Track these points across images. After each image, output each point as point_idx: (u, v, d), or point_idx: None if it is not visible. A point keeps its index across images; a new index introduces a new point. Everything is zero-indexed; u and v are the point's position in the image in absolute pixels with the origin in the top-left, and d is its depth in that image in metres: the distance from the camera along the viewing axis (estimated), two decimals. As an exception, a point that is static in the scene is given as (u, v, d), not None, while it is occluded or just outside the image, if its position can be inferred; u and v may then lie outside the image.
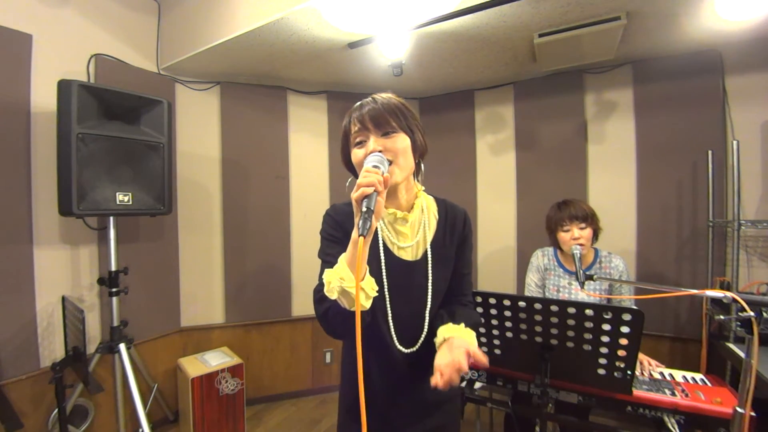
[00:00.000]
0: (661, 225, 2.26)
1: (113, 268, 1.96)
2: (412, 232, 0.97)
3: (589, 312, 1.14)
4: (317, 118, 2.85)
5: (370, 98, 0.93)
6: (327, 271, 0.81)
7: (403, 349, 0.95)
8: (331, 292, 0.78)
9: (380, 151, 0.85)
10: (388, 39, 1.99)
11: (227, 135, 2.62)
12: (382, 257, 0.94)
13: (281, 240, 2.75)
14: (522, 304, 1.23)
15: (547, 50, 2.04)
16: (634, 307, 1.11)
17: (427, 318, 0.97)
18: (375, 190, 0.73)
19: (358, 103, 0.93)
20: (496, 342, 1.37)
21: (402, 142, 0.89)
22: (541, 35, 1.93)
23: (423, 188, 1.03)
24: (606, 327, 1.15)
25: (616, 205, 2.35)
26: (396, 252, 0.96)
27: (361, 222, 0.70)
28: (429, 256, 0.97)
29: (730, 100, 2.11)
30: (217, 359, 2.34)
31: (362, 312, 0.79)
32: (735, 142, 1.91)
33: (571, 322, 1.18)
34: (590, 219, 1.71)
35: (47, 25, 1.88)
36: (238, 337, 2.65)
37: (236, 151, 2.64)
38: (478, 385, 1.66)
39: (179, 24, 2.28)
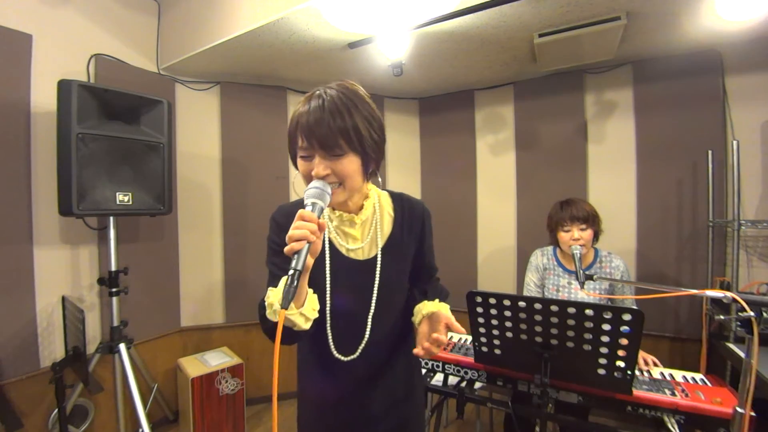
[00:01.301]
0: (661, 225, 2.26)
1: (113, 268, 1.96)
2: (362, 233, 0.94)
3: (589, 312, 1.14)
4: (317, 118, 2.85)
5: (320, 105, 0.79)
6: (270, 291, 0.79)
7: (341, 357, 0.92)
8: (273, 316, 0.76)
9: (324, 177, 0.79)
10: (388, 39, 1.99)
11: (227, 135, 2.62)
12: (327, 261, 0.91)
13: (281, 240, 2.75)
14: (522, 304, 1.23)
15: (547, 50, 2.04)
16: (634, 307, 1.11)
17: (369, 324, 0.93)
18: (307, 242, 0.68)
19: (306, 103, 0.81)
20: (496, 342, 1.37)
21: (350, 164, 0.81)
22: (541, 35, 1.93)
23: (375, 185, 0.98)
24: (606, 327, 1.15)
25: (616, 205, 2.35)
26: (345, 253, 0.93)
27: (284, 290, 0.64)
28: (379, 255, 0.93)
29: (730, 100, 2.11)
30: (217, 359, 2.34)
31: (303, 330, 0.80)
32: (735, 142, 1.91)
33: (571, 322, 1.18)
34: (591, 220, 1.71)
35: (47, 25, 1.88)
36: (238, 337, 2.65)
37: (236, 151, 2.64)
38: (478, 385, 1.66)
39: (179, 24, 2.28)
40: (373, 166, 0.89)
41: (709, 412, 1.21)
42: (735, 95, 2.10)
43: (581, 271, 1.38)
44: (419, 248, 1.01)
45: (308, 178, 0.82)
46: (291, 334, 0.79)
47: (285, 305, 0.64)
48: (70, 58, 1.98)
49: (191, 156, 2.53)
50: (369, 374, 0.97)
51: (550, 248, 1.90)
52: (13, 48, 1.78)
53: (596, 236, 1.76)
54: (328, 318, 0.92)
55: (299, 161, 0.84)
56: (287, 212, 0.92)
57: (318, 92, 0.82)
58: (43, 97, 1.84)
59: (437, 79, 2.71)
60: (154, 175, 1.94)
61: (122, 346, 1.90)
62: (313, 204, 0.73)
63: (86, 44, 2.04)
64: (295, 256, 0.67)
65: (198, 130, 2.56)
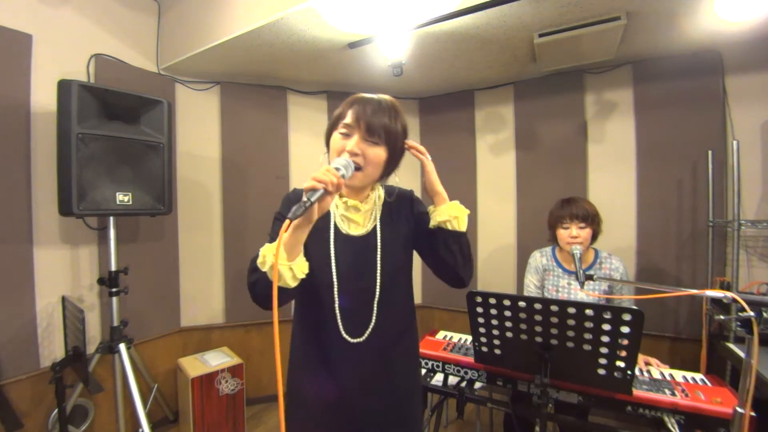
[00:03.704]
0: (661, 225, 2.26)
1: (113, 268, 1.95)
2: (365, 221, 1.02)
3: (589, 312, 1.14)
4: (317, 118, 2.85)
5: (376, 100, 0.94)
6: (265, 245, 0.86)
7: (350, 339, 0.96)
8: (263, 265, 0.83)
9: (356, 155, 0.90)
10: (388, 39, 1.99)
11: (227, 135, 2.62)
12: (332, 243, 0.97)
13: (281, 240, 2.75)
14: (522, 304, 1.23)
15: (547, 50, 2.04)
16: (634, 307, 1.11)
17: (375, 307, 0.97)
18: (324, 189, 0.76)
19: (362, 96, 0.95)
20: (496, 342, 1.37)
21: (379, 155, 0.93)
22: (541, 35, 1.93)
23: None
24: (606, 327, 1.15)
25: (616, 205, 2.35)
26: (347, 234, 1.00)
27: (294, 207, 0.73)
28: (378, 228, 1.00)
29: (730, 100, 2.11)
30: (217, 359, 2.34)
31: (287, 288, 0.84)
32: (735, 142, 1.91)
33: (571, 322, 1.18)
34: (590, 219, 1.71)
35: (47, 25, 1.88)
36: (238, 337, 2.65)
37: (236, 151, 2.64)
38: (478, 385, 1.66)
39: (179, 24, 2.28)
40: (392, 168, 1.00)
41: (709, 412, 1.21)
42: (735, 95, 2.10)
43: (581, 271, 1.37)
44: (418, 224, 1.06)
45: (335, 153, 0.93)
46: (276, 292, 0.80)
47: (291, 216, 0.71)
48: (70, 58, 1.98)
49: (191, 156, 2.53)
50: (374, 362, 0.99)
51: (548, 249, 1.90)
52: (13, 48, 1.78)
53: (595, 236, 1.76)
54: (336, 299, 0.95)
55: (337, 136, 0.93)
56: (298, 194, 1.00)
57: (373, 95, 0.96)
58: (43, 97, 1.84)
59: (437, 79, 2.71)
60: (154, 175, 1.94)
61: (122, 346, 1.90)
62: (338, 168, 0.81)
63: (86, 44, 2.04)
64: (309, 193, 0.74)
65: (198, 130, 2.56)
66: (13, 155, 1.78)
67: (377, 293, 0.97)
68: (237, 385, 2.28)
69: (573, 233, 1.70)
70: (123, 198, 1.84)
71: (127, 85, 1.90)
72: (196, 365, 2.26)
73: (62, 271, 1.96)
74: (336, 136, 0.94)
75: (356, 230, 1.00)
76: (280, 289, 0.81)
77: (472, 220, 2.87)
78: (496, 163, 2.81)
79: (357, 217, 1.01)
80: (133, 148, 1.87)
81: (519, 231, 2.71)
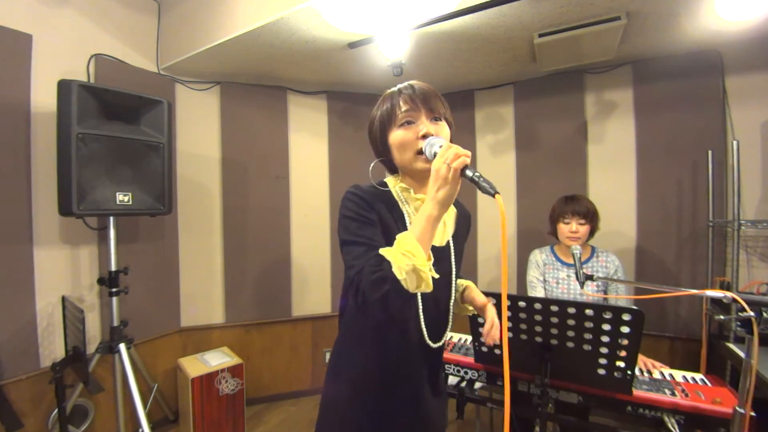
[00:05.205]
0: (661, 225, 2.26)
1: (113, 268, 1.95)
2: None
3: (589, 312, 1.15)
4: (317, 118, 2.85)
5: (412, 83, 0.91)
6: (388, 249, 0.74)
7: (432, 344, 0.93)
8: (399, 271, 0.70)
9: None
10: (388, 39, 1.99)
11: (227, 135, 2.62)
12: None
13: (281, 240, 2.75)
14: (522, 304, 1.23)
15: (547, 50, 2.04)
16: (634, 307, 1.11)
17: (451, 311, 0.98)
18: (465, 165, 0.70)
19: (399, 86, 0.91)
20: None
21: (446, 131, 0.88)
22: (541, 35, 1.93)
23: None
24: (606, 327, 1.15)
25: (616, 205, 2.35)
26: None
27: (486, 184, 0.67)
28: (451, 243, 0.98)
29: (730, 100, 2.11)
30: (217, 359, 2.34)
31: (412, 300, 0.80)
32: (735, 142, 1.91)
33: (571, 322, 1.18)
34: (590, 217, 1.79)
35: (47, 25, 1.88)
36: (238, 337, 2.65)
37: (236, 151, 2.64)
38: (478, 385, 1.66)
39: (179, 24, 2.28)
40: None
41: (709, 412, 1.21)
42: (735, 95, 2.09)
43: (581, 272, 1.38)
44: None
45: (409, 146, 0.86)
46: (407, 300, 0.75)
47: (497, 190, 0.67)
48: (70, 58, 1.98)
49: (191, 156, 2.53)
50: (439, 362, 1.01)
51: (547, 247, 1.96)
52: (13, 48, 1.78)
53: (592, 233, 1.84)
54: (420, 303, 0.90)
55: (400, 131, 0.87)
56: (368, 191, 0.91)
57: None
58: (43, 97, 1.84)
59: (437, 79, 2.70)
60: (154, 175, 1.94)
61: (122, 346, 1.90)
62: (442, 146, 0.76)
63: (86, 44, 2.04)
64: (469, 170, 0.70)
65: (198, 130, 2.56)
66: (13, 155, 1.78)
67: (452, 296, 0.97)
68: (237, 385, 2.28)
69: (573, 228, 1.78)
70: (123, 198, 1.84)
71: (127, 85, 1.89)
72: (196, 365, 2.26)
73: (62, 271, 1.96)
74: (397, 132, 0.87)
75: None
76: (409, 295, 0.73)
77: (472, 220, 2.87)
78: (496, 163, 2.81)
79: None
80: (133, 148, 1.87)
81: (519, 231, 2.70)
